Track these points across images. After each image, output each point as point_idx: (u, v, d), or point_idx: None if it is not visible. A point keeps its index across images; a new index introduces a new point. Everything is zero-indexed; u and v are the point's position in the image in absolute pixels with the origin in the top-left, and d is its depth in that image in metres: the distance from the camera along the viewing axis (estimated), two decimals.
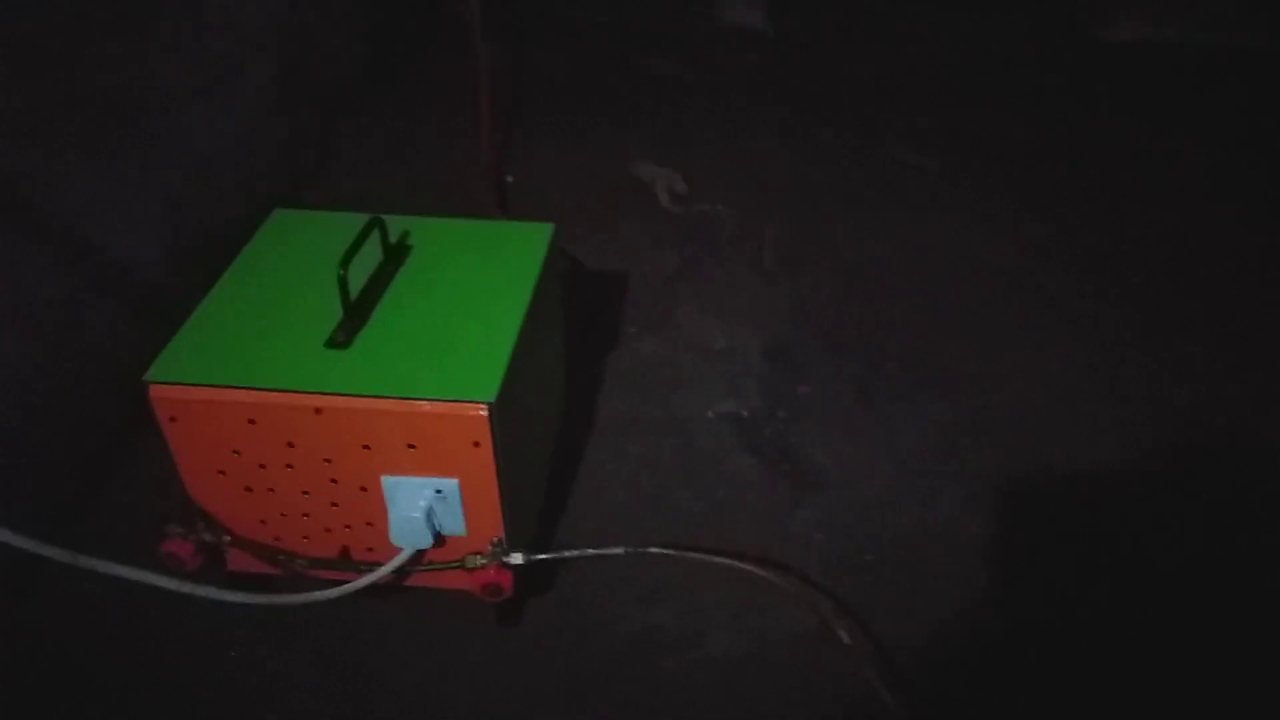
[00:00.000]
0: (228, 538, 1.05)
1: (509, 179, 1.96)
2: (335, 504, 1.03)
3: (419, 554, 1.04)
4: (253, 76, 1.70)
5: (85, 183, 1.26)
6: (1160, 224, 1.84)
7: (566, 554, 1.12)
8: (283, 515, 1.05)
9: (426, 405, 0.95)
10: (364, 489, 1.01)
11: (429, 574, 1.07)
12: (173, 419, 0.98)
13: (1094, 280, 1.70)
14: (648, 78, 2.34)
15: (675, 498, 1.32)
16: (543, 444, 1.28)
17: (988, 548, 1.25)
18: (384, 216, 1.13)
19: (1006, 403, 1.46)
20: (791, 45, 2.49)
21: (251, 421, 0.97)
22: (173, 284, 1.42)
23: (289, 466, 1.00)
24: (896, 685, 1.08)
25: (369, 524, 1.04)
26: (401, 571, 1.04)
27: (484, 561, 1.03)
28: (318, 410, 0.96)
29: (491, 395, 0.95)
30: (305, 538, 1.06)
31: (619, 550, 1.12)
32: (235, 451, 1.00)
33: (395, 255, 1.14)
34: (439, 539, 1.03)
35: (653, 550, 1.13)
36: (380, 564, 1.03)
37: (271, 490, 1.02)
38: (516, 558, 1.04)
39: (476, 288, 1.11)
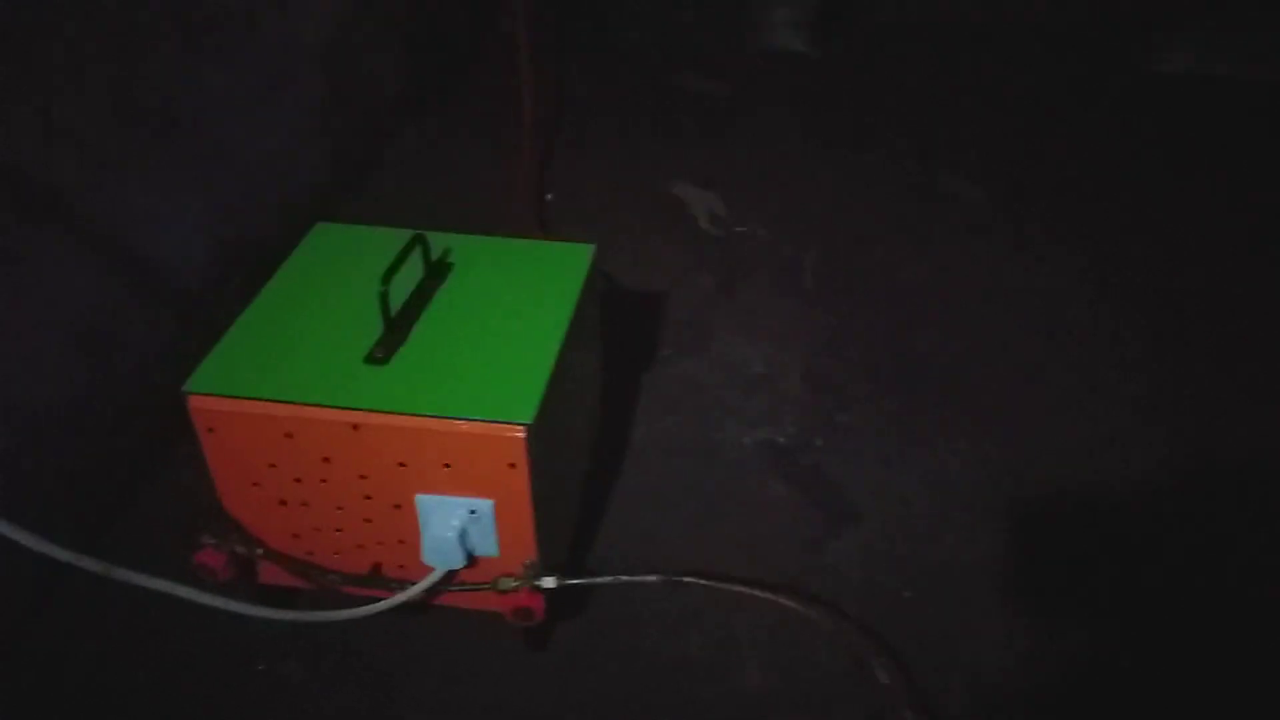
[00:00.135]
0: (260, 550, 1.05)
1: (548, 197, 1.96)
2: (368, 520, 1.02)
3: (450, 574, 1.03)
4: (300, 91, 1.72)
5: (132, 193, 1.28)
6: (1207, 258, 1.80)
7: (600, 580, 1.10)
8: (316, 530, 1.04)
9: (463, 425, 0.94)
10: (398, 506, 1.00)
11: (459, 594, 1.06)
12: (210, 430, 0.98)
13: (1139, 314, 1.66)
14: (689, 99, 2.34)
15: (708, 524, 1.29)
16: (577, 466, 1.27)
17: (1030, 586, 1.22)
18: (425, 232, 1.13)
19: (1049, 435, 1.43)
20: (835, 69, 2.48)
21: (288, 435, 0.97)
22: (214, 295, 1.43)
23: (324, 481, 1.00)
24: None
25: (401, 541, 1.03)
26: (432, 590, 1.03)
27: (516, 584, 1.02)
28: (355, 426, 0.95)
29: (529, 417, 0.94)
30: (337, 553, 1.06)
31: (653, 578, 1.10)
32: (271, 464, 1.00)
33: (436, 272, 1.14)
34: (471, 559, 1.02)
35: (688, 579, 1.11)
36: (411, 582, 1.02)
37: (305, 504, 1.02)
38: (549, 581, 1.03)
39: (516, 307, 1.10)
